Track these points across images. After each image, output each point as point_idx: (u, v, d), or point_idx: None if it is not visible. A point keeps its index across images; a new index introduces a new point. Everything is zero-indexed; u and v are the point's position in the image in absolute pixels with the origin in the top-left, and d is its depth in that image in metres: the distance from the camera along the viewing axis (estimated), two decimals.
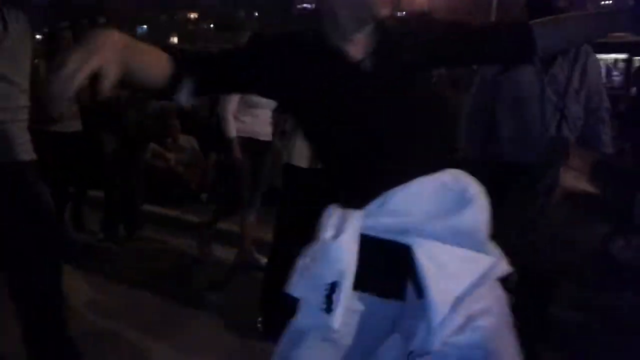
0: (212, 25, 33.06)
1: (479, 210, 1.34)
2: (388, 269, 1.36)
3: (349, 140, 1.37)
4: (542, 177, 1.71)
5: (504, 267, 1.35)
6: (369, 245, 1.32)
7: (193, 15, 35.27)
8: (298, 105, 1.44)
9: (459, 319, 1.26)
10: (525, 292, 2.51)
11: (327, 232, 1.35)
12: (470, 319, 1.27)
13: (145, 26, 31.19)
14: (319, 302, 1.31)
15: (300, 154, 3.03)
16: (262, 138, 3.96)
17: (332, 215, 1.38)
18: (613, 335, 3.00)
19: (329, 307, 1.30)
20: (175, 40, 27.26)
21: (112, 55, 1.09)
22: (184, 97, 1.32)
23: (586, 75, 2.70)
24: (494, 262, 1.33)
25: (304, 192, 3.07)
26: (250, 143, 3.88)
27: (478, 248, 1.33)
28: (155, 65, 1.28)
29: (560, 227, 2.24)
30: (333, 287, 1.30)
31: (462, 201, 1.32)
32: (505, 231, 1.55)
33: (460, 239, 1.31)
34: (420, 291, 1.29)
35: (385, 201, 1.32)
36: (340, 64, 1.37)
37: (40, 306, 2.02)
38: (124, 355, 2.92)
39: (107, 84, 1.08)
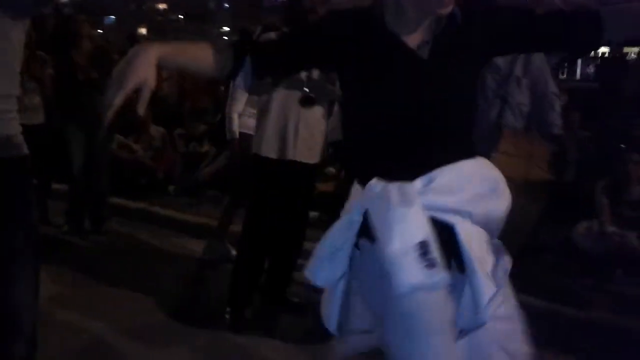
0: (181, 16, 32.66)
1: (505, 201, 1.45)
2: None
3: (399, 119, 1.41)
4: None
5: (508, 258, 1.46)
6: None
7: (162, 6, 34.74)
8: (351, 80, 1.48)
9: (500, 295, 1.37)
10: None
11: (395, 198, 1.35)
12: (504, 295, 1.39)
13: (113, 17, 30.62)
14: (415, 263, 1.31)
15: (269, 145, 3.01)
16: None
17: (386, 187, 1.37)
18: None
19: (430, 264, 1.31)
20: (144, 31, 26.82)
21: (146, 73, 1.27)
22: (244, 80, 1.44)
23: (529, 63, 2.74)
24: (503, 250, 1.46)
25: (272, 182, 3.06)
26: None
27: (494, 235, 1.45)
28: (201, 58, 1.43)
29: None
30: (424, 245, 1.32)
31: (496, 190, 1.43)
32: None
33: (488, 224, 1.43)
34: (461, 267, 1.38)
35: (431, 180, 1.38)
36: (397, 50, 1.41)
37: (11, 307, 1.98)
38: (89, 347, 2.87)
39: (142, 104, 1.28)
